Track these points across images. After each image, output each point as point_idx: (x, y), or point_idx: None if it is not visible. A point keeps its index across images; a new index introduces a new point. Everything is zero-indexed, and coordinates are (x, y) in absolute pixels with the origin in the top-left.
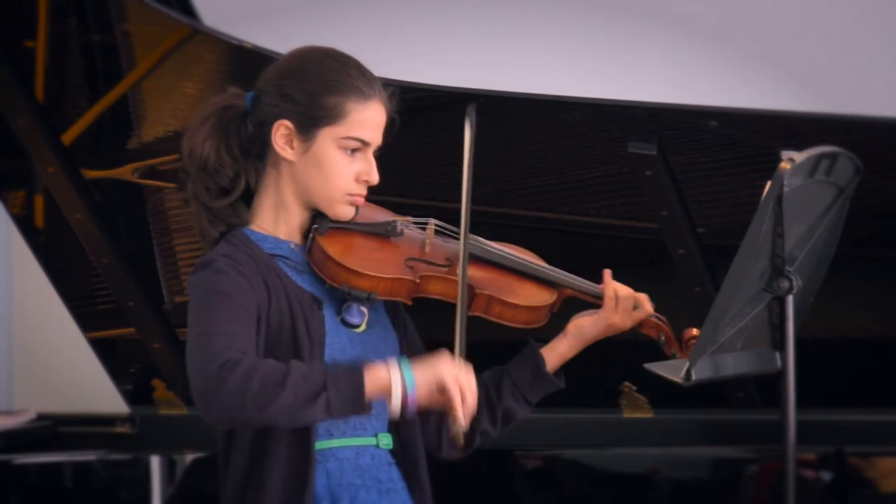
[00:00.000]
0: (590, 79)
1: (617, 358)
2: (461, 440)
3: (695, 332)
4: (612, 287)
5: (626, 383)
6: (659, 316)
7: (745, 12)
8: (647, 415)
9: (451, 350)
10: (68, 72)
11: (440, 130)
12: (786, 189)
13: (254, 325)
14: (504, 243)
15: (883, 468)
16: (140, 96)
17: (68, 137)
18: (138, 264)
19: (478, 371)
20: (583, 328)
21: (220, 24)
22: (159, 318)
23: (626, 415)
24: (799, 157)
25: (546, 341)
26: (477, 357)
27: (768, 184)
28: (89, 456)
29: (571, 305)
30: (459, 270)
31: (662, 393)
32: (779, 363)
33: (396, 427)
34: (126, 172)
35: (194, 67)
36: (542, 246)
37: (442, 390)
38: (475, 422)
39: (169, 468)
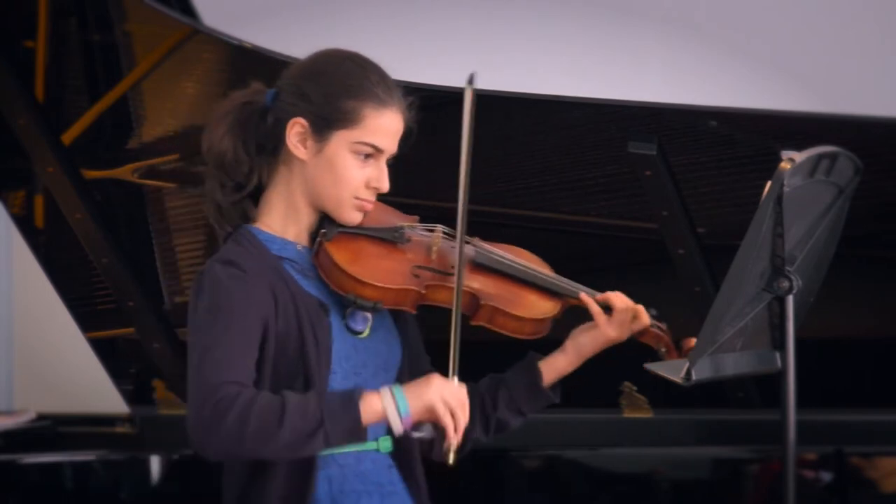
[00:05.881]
0: (590, 79)
1: (617, 358)
2: (450, 458)
3: (694, 342)
4: (604, 300)
5: (626, 383)
6: (660, 325)
7: (746, 12)
8: (647, 415)
9: (448, 354)
10: (68, 72)
11: (440, 131)
12: (786, 189)
13: (255, 346)
14: (507, 246)
15: (883, 468)
16: (140, 96)
17: (68, 137)
18: (138, 264)
19: (475, 376)
20: (580, 344)
21: (220, 24)
22: (159, 318)
23: (626, 415)
24: (799, 157)
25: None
26: (477, 357)
27: (768, 184)
28: (89, 456)
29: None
30: (456, 275)
31: (662, 393)
32: (779, 363)
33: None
34: (126, 172)
35: (194, 67)
36: (542, 246)
37: (433, 414)
38: (467, 431)
39: (169, 468)
